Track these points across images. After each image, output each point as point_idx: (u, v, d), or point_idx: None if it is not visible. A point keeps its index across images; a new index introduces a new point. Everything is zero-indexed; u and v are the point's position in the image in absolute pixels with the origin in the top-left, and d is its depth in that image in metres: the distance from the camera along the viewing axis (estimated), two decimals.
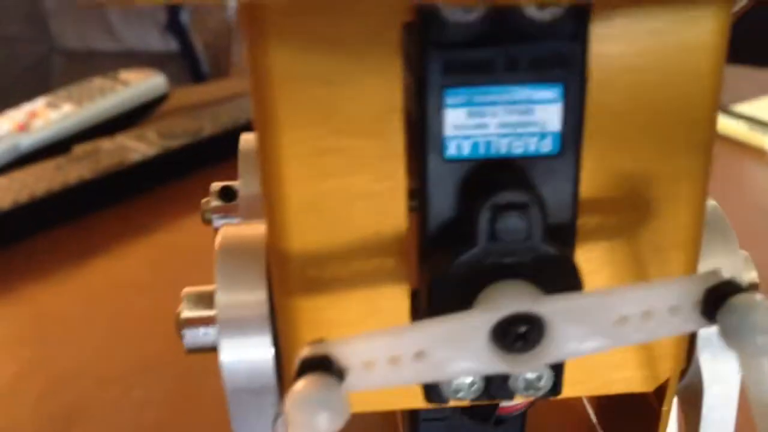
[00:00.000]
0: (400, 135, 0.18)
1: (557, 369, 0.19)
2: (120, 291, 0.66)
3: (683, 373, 0.22)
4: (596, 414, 0.27)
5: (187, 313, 0.23)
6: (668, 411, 0.22)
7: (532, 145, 0.18)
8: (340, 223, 0.19)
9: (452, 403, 0.20)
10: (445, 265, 0.18)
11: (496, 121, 0.18)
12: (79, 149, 0.79)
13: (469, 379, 0.19)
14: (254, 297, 0.21)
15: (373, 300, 0.19)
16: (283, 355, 0.21)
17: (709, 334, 0.21)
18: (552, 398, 0.22)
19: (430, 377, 0.17)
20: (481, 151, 0.18)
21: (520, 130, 0.18)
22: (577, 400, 0.28)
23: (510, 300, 0.16)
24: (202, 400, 0.55)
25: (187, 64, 1.44)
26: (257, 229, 0.21)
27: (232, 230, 0.22)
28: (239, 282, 0.21)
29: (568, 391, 0.20)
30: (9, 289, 0.66)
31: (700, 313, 0.16)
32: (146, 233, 0.74)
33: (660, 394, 0.22)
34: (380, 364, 0.17)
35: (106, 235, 0.73)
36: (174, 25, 1.45)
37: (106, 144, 0.79)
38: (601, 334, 0.17)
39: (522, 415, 0.24)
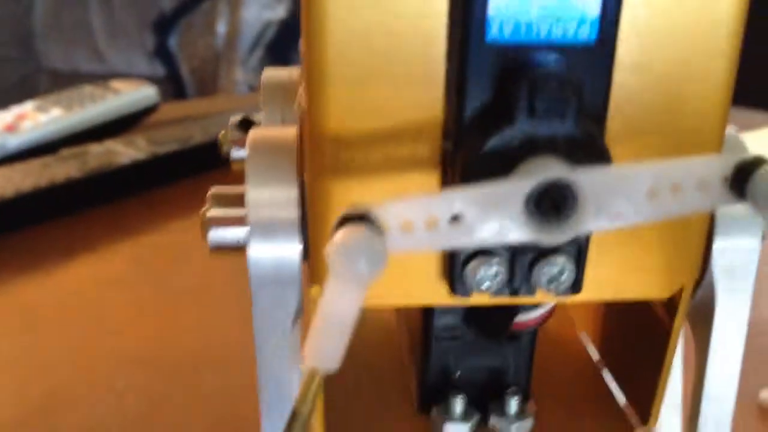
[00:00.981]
0: (443, 18, 0.19)
1: (579, 264, 0.20)
2: (104, 286, 0.66)
3: (696, 286, 0.22)
4: (600, 353, 0.27)
5: (213, 212, 0.23)
6: (678, 328, 0.22)
7: (571, 31, 0.19)
8: (378, 107, 0.19)
9: (474, 299, 0.20)
10: (482, 143, 0.18)
11: (538, 3, 0.18)
12: (66, 151, 0.78)
13: (493, 269, 0.20)
14: (285, 194, 0.21)
15: (404, 186, 0.20)
16: (311, 240, 0.21)
17: (724, 246, 0.21)
18: (559, 331, 0.23)
19: (464, 242, 0.17)
20: (522, 33, 0.18)
21: (560, 15, 0.18)
22: (580, 344, 0.28)
23: (545, 170, 0.17)
24: (186, 391, 0.55)
25: (172, 89, 1.45)
26: (287, 130, 0.22)
27: (261, 131, 0.22)
28: (270, 179, 0.21)
29: (586, 293, 0.20)
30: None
31: (729, 188, 0.17)
32: (132, 233, 0.73)
33: (671, 311, 0.22)
34: (417, 227, 0.17)
35: (92, 233, 0.73)
36: (162, 49, 1.46)
37: (94, 147, 0.79)
38: (632, 206, 0.17)
39: (533, 337, 0.24)
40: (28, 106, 0.85)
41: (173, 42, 1.47)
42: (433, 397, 0.24)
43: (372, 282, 0.16)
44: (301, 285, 0.21)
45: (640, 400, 0.24)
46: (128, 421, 0.51)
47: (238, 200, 0.22)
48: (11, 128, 0.80)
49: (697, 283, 0.22)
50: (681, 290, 0.21)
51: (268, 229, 0.21)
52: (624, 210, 0.17)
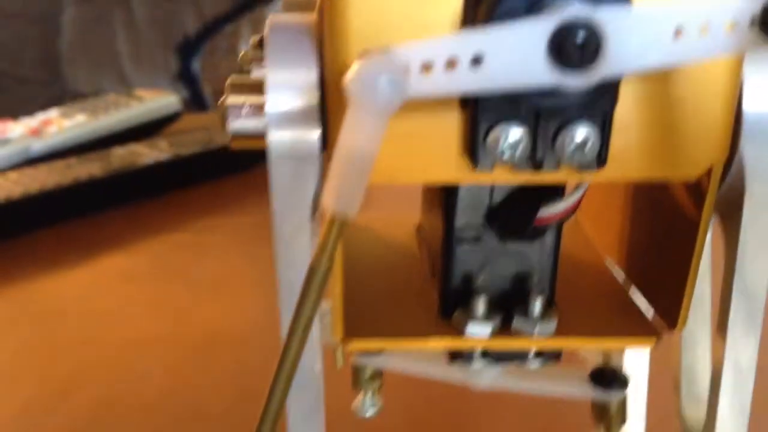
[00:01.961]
0: None
1: (603, 133, 0.19)
2: (125, 280, 0.66)
3: (726, 169, 0.21)
4: (627, 273, 0.26)
5: (231, 99, 0.22)
6: (707, 219, 0.21)
7: None
8: None
9: (497, 174, 0.20)
10: None
11: None
12: (90, 154, 0.79)
13: (516, 135, 0.19)
14: (305, 76, 0.21)
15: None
16: (330, 129, 0.20)
17: (754, 117, 0.20)
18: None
19: (485, 86, 0.16)
20: None
21: None
22: (604, 267, 0.27)
23: (568, 9, 0.16)
24: (205, 370, 0.54)
25: (195, 111, 1.46)
26: (306, 15, 0.21)
27: (280, 15, 0.22)
28: (290, 61, 0.21)
29: (610, 171, 0.20)
30: (18, 276, 0.65)
31: (758, 29, 0.16)
32: (154, 232, 0.73)
33: (699, 202, 0.21)
34: (438, 68, 0.16)
35: (114, 231, 0.73)
36: (185, 72, 1.48)
37: (117, 150, 0.80)
38: (658, 47, 0.17)
39: (557, 236, 0.23)
40: (53, 113, 0.86)
41: (196, 65, 1.49)
42: (455, 303, 0.23)
43: (391, 113, 0.16)
44: (320, 167, 0.21)
45: (668, 308, 0.23)
46: (149, 401, 0.51)
47: (257, 88, 0.22)
48: (36, 132, 0.81)
49: (727, 165, 0.21)
50: (709, 174, 0.21)
51: (287, 114, 0.20)
52: (650, 51, 0.17)
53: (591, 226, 0.28)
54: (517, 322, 0.22)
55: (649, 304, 0.24)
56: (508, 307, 0.23)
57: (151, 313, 0.61)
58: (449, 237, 0.23)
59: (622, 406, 0.25)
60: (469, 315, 0.22)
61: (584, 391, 0.25)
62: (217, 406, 0.50)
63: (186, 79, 1.48)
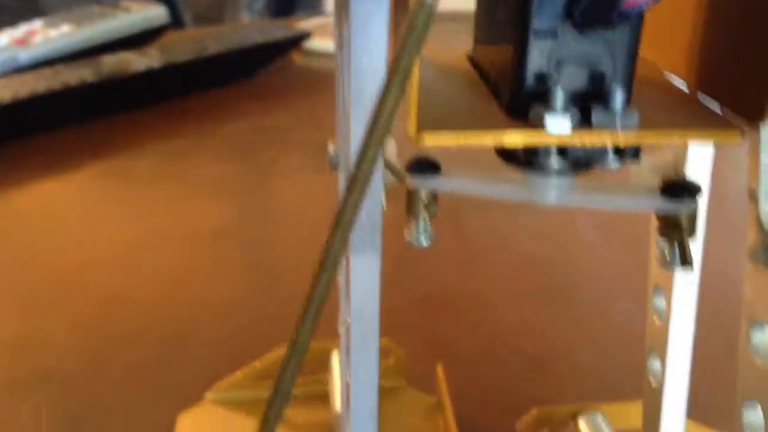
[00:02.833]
0: None
1: None
2: (127, 182, 0.64)
3: None
4: (695, 81, 0.25)
5: None
6: None
7: None
8: None
9: None
10: None
11: None
12: (80, 61, 0.76)
13: None
14: None
15: None
16: None
17: None
18: None
19: None
20: None
21: None
22: (668, 80, 0.26)
23: None
24: (214, 266, 0.53)
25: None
26: None
27: None
28: None
29: None
30: (14, 179, 0.63)
31: None
32: (152, 137, 0.72)
33: None
34: None
35: (112, 136, 0.71)
36: None
37: (107, 57, 0.77)
38: None
39: (638, 26, 0.22)
40: (37, 24, 0.83)
41: None
42: (528, 102, 0.22)
43: None
44: None
45: (749, 102, 0.22)
46: (160, 293, 0.50)
47: None
48: (22, 42, 0.78)
49: None
50: None
51: None
52: None
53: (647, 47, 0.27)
54: (598, 116, 0.21)
55: (723, 107, 0.23)
56: (584, 104, 0.22)
57: (155, 213, 0.60)
58: (525, 30, 0.21)
59: (693, 217, 0.25)
60: (546, 109, 0.21)
61: (655, 204, 0.24)
62: (226, 295, 0.49)
63: (166, 2, 1.43)
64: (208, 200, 0.62)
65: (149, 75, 0.75)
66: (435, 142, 0.21)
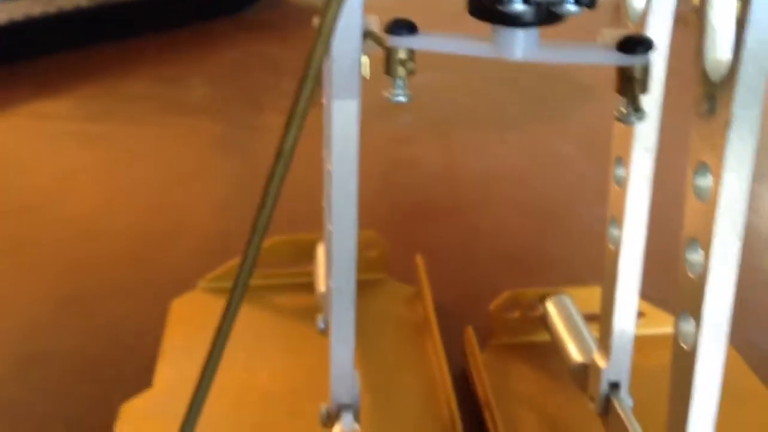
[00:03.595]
0: None
1: None
2: (126, 101, 0.66)
3: None
4: None
5: None
6: None
7: None
8: None
9: None
10: None
11: None
12: None
13: None
14: None
15: None
16: None
17: None
18: None
19: None
20: None
21: None
22: None
23: None
24: (216, 168, 0.55)
25: None
26: None
27: None
28: None
29: None
30: (13, 99, 0.65)
31: None
32: (145, 64, 0.73)
33: None
34: None
35: (106, 61, 0.73)
36: None
37: None
38: None
39: None
40: None
41: None
42: None
43: None
44: None
45: None
46: (154, 195, 0.52)
47: None
48: None
49: None
50: None
51: None
52: None
53: None
54: None
55: None
56: None
57: (148, 127, 0.61)
58: None
59: (646, 71, 0.27)
60: None
61: (611, 58, 0.26)
62: (219, 197, 0.52)
63: None
64: (203, 119, 0.63)
65: (143, 3, 0.76)
66: None
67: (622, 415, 0.32)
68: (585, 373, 0.35)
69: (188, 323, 0.41)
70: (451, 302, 0.43)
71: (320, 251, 0.42)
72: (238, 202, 0.51)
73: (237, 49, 0.77)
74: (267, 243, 0.44)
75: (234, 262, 0.43)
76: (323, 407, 0.32)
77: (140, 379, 0.36)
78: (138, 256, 0.46)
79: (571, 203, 0.53)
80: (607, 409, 0.33)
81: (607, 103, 0.30)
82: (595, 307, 0.40)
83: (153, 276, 0.44)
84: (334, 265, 0.29)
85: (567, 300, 0.39)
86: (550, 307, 0.39)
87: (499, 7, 0.25)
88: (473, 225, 0.50)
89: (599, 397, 0.34)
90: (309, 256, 0.43)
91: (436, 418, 0.36)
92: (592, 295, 0.40)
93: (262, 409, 0.37)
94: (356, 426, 0.31)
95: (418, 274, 0.43)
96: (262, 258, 0.44)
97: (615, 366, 0.33)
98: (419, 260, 0.43)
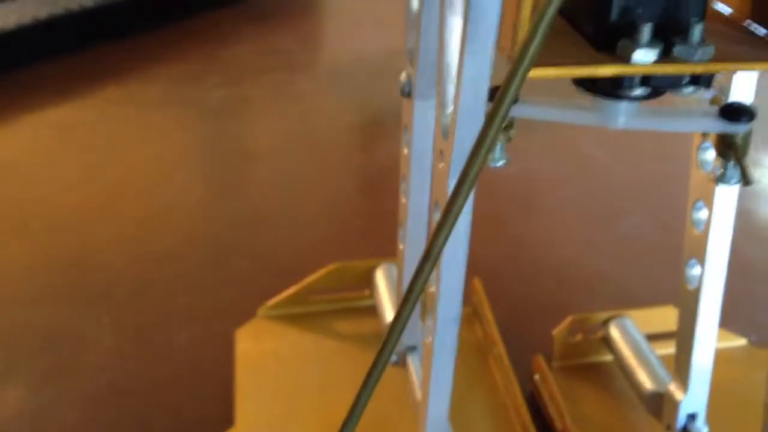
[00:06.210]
0: None
1: None
2: (141, 107, 0.65)
3: None
4: (747, 14, 0.26)
5: None
6: None
7: None
8: None
9: None
10: None
11: None
12: None
13: None
14: None
15: None
16: None
17: None
18: None
19: None
20: None
21: None
22: (721, 13, 0.28)
23: None
24: (241, 180, 0.55)
25: None
26: None
27: None
28: None
29: None
30: (26, 106, 0.64)
31: None
32: (157, 64, 0.72)
33: None
34: None
35: (118, 61, 0.71)
36: None
37: None
38: None
39: None
40: None
41: None
42: (613, 36, 0.24)
43: None
44: None
45: None
46: (191, 207, 0.52)
47: None
48: None
49: None
50: None
51: None
52: None
53: None
54: (679, 49, 0.23)
55: None
56: (667, 36, 0.24)
57: (172, 136, 0.61)
58: None
59: (747, 138, 0.27)
60: (634, 43, 0.23)
61: (715, 126, 0.27)
62: (260, 210, 0.52)
63: None
64: (216, 121, 0.63)
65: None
66: (541, 74, 0.23)
67: None
68: (658, 400, 0.36)
69: (258, 356, 0.42)
70: (505, 320, 0.44)
71: (379, 276, 0.43)
72: (278, 216, 0.51)
73: (247, 43, 0.76)
74: (329, 268, 0.44)
75: (293, 290, 0.44)
76: None
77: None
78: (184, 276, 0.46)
79: (608, 211, 0.54)
80: None
81: None
82: (655, 328, 0.41)
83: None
84: (440, 317, 0.29)
85: (629, 322, 0.40)
86: (613, 331, 0.40)
87: (619, 92, 0.25)
88: (515, 237, 0.51)
89: (676, 428, 0.35)
90: (366, 281, 0.44)
91: None
92: (651, 317, 0.41)
93: None
94: None
95: (477, 295, 0.43)
96: (314, 285, 0.45)
97: (693, 399, 0.34)
98: (476, 283, 0.43)
